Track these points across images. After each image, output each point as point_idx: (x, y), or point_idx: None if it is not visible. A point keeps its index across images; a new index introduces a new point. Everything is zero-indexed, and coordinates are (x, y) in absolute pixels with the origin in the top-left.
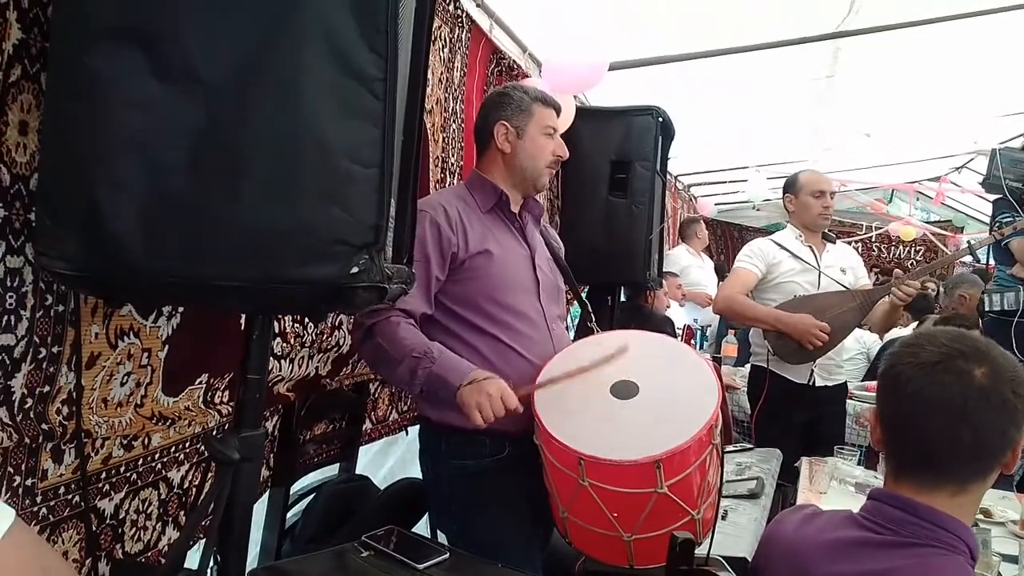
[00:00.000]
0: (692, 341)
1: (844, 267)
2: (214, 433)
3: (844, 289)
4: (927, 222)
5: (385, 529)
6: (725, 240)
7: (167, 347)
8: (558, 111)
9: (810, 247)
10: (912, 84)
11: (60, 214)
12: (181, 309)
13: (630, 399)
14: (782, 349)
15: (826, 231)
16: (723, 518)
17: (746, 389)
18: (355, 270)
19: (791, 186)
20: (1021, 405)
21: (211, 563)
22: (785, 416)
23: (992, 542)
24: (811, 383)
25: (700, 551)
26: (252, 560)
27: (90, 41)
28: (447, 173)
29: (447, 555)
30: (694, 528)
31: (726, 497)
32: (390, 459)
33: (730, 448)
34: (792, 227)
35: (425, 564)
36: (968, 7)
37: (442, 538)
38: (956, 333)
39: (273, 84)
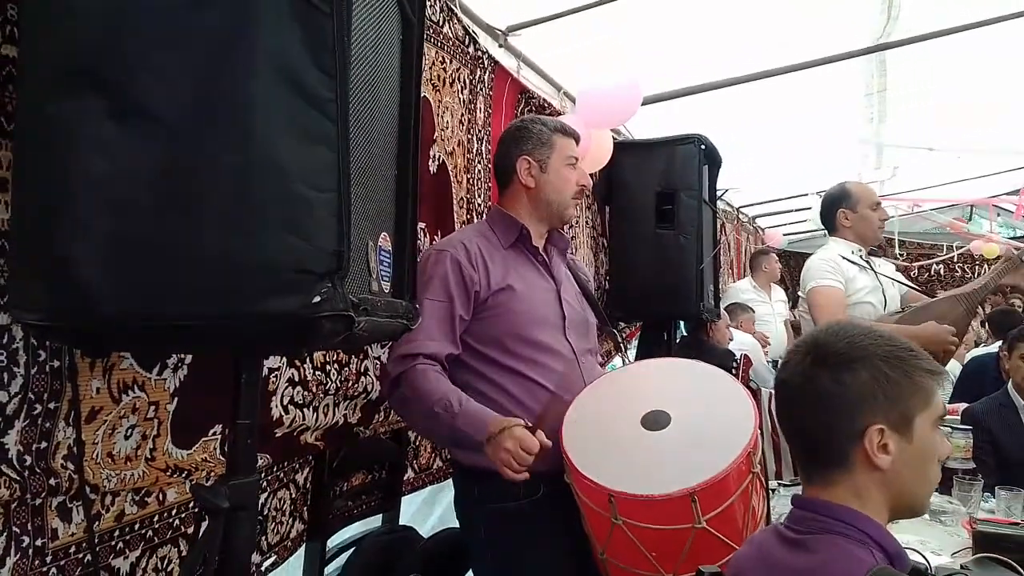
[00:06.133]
0: (751, 371)
1: (893, 279)
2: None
3: (946, 296)
4: (1012, 238)
5: None
6: (798, 271)
7: (176, 399)
8: (578, 140)
9: (867, 262)
10: (971, 91)
11: (28, 263)
12: (188, 361)
13: (662, 430)
14: None
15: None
16: None
17: None
18: (317, 299)
19: (844, 200)
20: (849, 392)
21: None
22: None
23: None
24: None
25: None
26: None
27: (48, 88)
28: (473, 214)
29: None
30: None
31: None
32: (438, 508)
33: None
34: (845, 242)
35: None
36: (1011, 7)
37: None
38: (821, 328)
39: (226, 114)
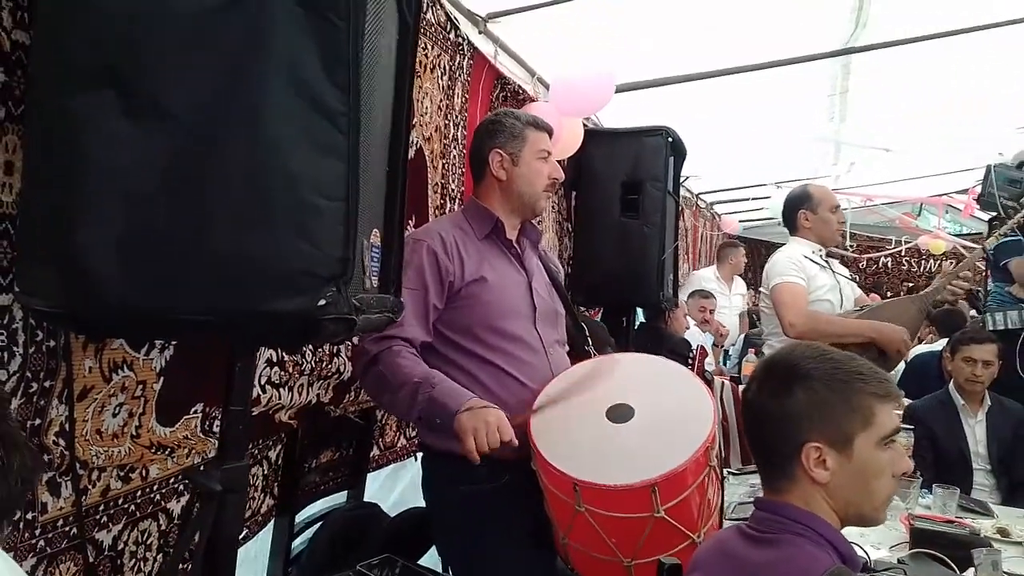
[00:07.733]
0: (706, 362)
1: (847, 279)
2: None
3: (900, 297)
4: (958, 235)
5: (380, 558)
6: (753, 257)
7: (162, 378)
8: (551, 134)
9: (827, 262)
10: (929, 98)
11: (38, 252)
12: (175, 342)
13: (625, 423)
14: None
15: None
16: None
17: None
18: (322, 302)
19: (806, 201)
20: (787, 410)
21: None
22: None
23: (1004, 562)
24: None
25: None
26: None
27: (65, 83)
28: (447, 199)
29: None
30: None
31: (739, 520)
32: (399, 485)
33: (748, 468)
34: (806, 242)
35: None
36: (977, 20)
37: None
38: (781, 348)
39: (239, 119)
